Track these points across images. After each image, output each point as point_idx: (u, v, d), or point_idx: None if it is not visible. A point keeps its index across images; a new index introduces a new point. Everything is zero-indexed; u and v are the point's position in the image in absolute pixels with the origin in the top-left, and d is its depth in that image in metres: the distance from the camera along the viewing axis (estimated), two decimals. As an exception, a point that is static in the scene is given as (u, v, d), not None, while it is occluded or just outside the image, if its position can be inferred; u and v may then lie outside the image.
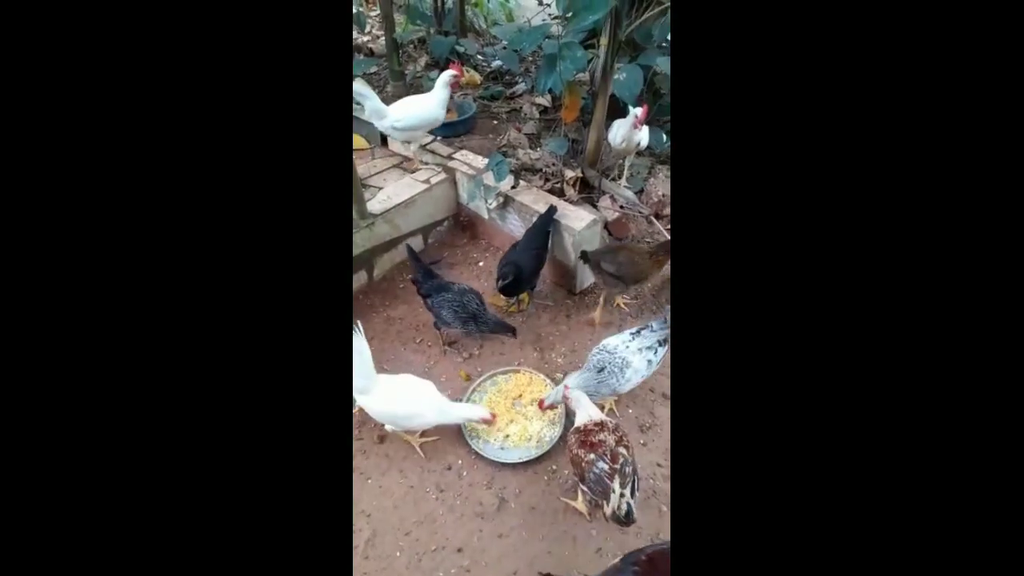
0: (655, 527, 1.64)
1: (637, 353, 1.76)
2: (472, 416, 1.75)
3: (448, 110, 2.97)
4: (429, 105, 2.46)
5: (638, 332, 1.83)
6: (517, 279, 2.13)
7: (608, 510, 1.41)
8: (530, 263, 2.20)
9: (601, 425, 1.52)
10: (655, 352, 1.79)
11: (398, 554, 1.60)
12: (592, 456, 1.45)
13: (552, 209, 2.30)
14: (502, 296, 2.29)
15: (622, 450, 1.46)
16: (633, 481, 1.43)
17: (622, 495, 1.38)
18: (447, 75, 2.44)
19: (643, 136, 2.54)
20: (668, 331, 1.81)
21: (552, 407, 1.85)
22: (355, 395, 1.73)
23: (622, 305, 2.37)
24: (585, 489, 1.51)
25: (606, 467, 1.43)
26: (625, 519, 1.39)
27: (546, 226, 2.28)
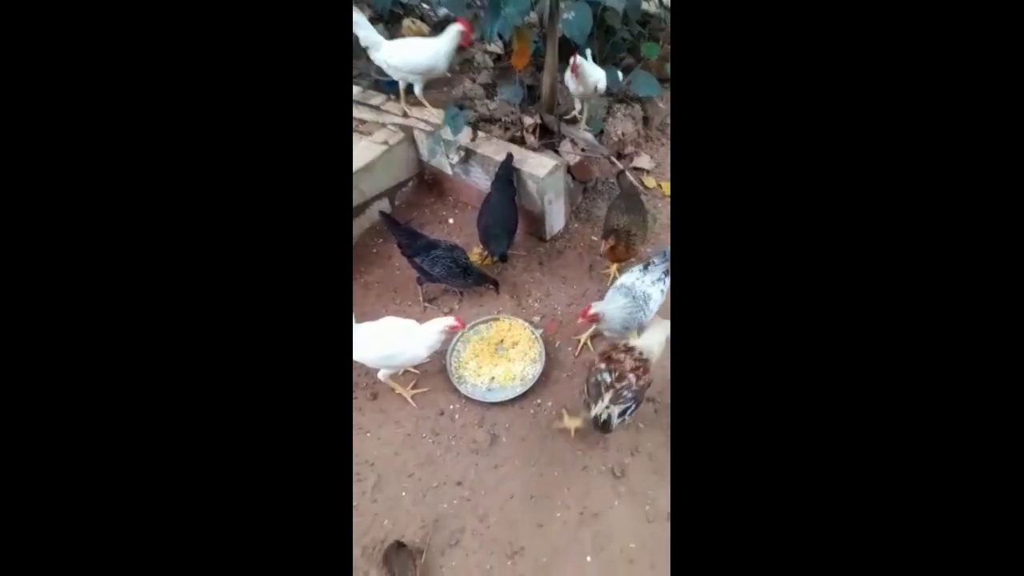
0: (633, 442, 1.81)
1: (652, 285, 1.90)
2: (441, 326, 1.82)
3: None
4: (428, 52, 2.39)
5: (645, 268, 1.96)
6: (509, 237, 2.22)
7: (591, 413, 1.57)
8: (511, 216, 2.26)
9: (629, 351, 1.64)
10: (663, 282, 1.93)
11: (403, 494, 1.73)
12: (603, 367, 1.61)
13: (509, 156, 2.33)
14: (478, 253, 2.36)
15: (631, 376, 1.58)
16: (628, 407, 1.57)
17: (607, 407, 1.54)
18: (456, 28, 2.34)
19: (599, 78, 2.49)
20: (667, 260, 1.96)
21: (596, 318, 1.85)
22: None
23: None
24: (584, 389, 1.66)
25: (607, 380, 1.57)
26: (602, 426, 1.56)
27: (509, 175, 2.31)
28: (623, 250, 2.10)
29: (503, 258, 2.27)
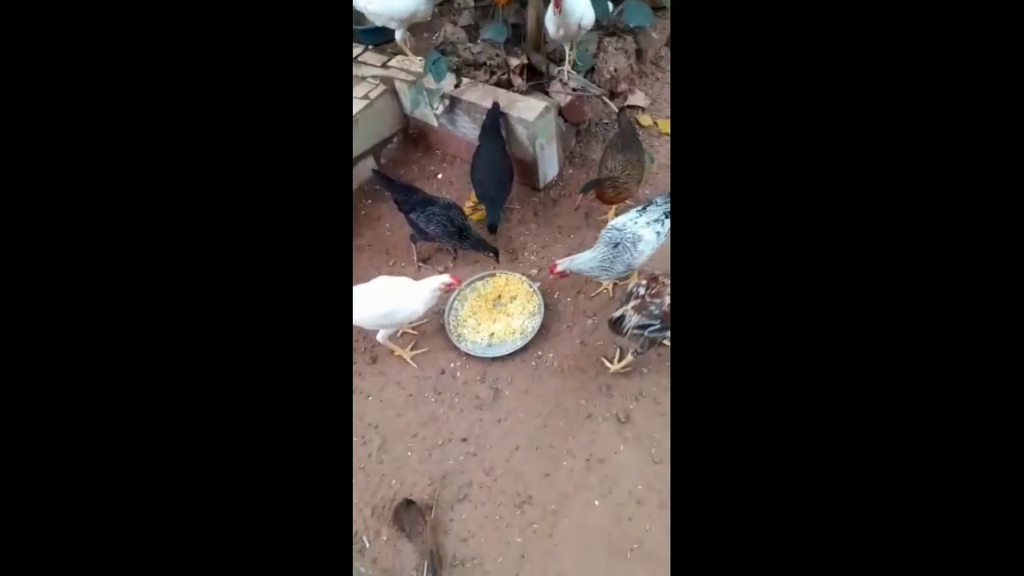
0: (638, 387, 1.79)
1: (646, 227, 1.81)
2: (437, 283, 1.80)
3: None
4: None
5: (644, 209, 1.87)
6: (504, 195, 2.12)
7: (615, 314, 1.62)
8: (504, 170, 2.15)
9: (667, 286, 1.65)
10: (662, 224, 1.84)
11: (409, 453, 1.74)
12: (643, 282, 1.66)
13: (495, 105, 2.19)
14: (471, 205, 2.27)
15: (665, 299, 1.60)
16: (652, 324, 1.59)
17: (628, 311, 1.60)
18: None
19: (586, 14, 2.21)
20: (669, 202, 1.86)
21: (564, 274, 1.85)
22: None
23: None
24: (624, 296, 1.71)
25: (640, 292, 1.64)
26: (614, 325, 1.63)
27: (496, 124, 2.19)
28: (612, 194, 2.00)
29: (492, 229, 2.14)
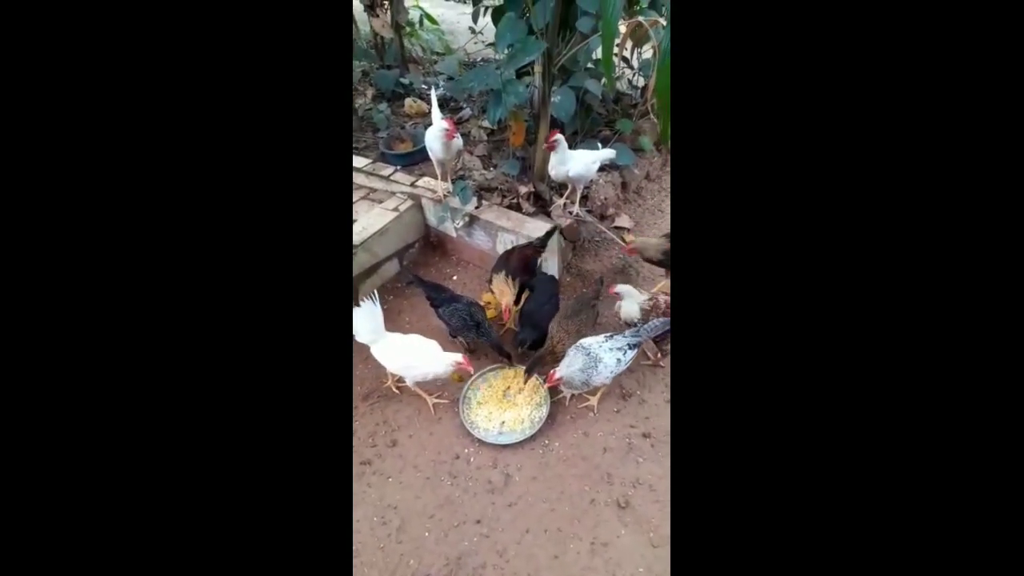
0: (634, 475, 2.00)
1: (609, 352, 2.08)
2: (451, 360, 2.11)
3: (402, 140, 3.25)
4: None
5: (611, 336, 2.15)
6: (539, 336, 2.31)
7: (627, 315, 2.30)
8: (547, 315, 2.36)
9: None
10: (624, 353, 2.10)
11: (426, 534, 1.87)
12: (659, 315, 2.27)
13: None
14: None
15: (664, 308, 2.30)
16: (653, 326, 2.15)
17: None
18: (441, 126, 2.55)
19: (573, 169, 2.61)
20: (638, 338, 2.14)
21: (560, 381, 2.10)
22: (369, 344, 2.19)
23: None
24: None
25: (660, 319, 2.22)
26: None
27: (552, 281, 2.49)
28: (552, 360, 2.20)
29: (525, 345, 2.34)
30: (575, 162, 2.62)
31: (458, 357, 2.12)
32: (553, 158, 2.60)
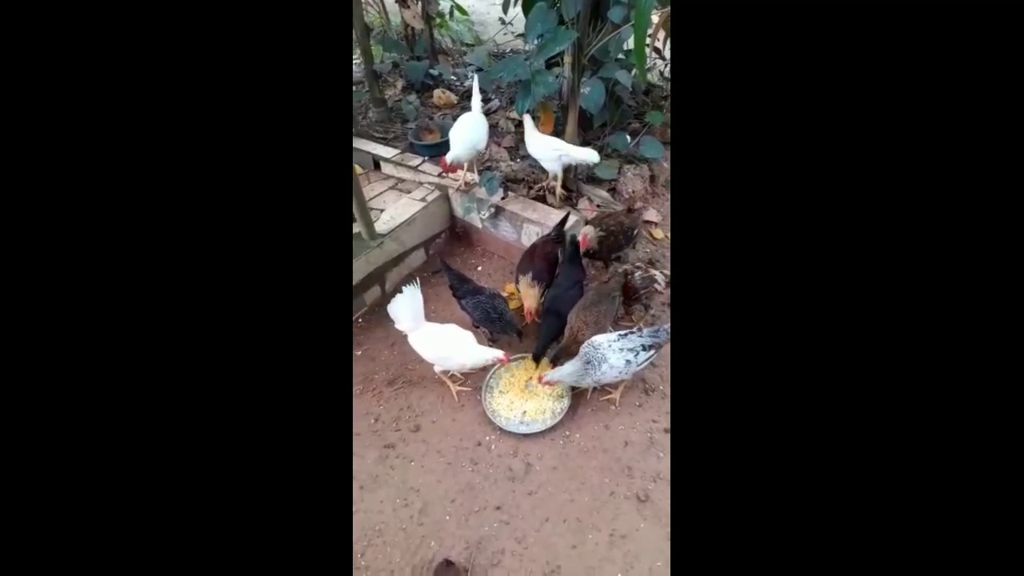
0: (655, 469, 2.00)
1: (619, 352, 2.05)
2: (490, 356, 2.16)
3: (431, 131, 3.27)
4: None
5: (625, 335, 2.10)
6: (558, 329, 2.27)
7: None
8: (572, 298, 2.33)
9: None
10: (635, 355, 2.05)
11: (447, 518, 1.91)
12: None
13: (572, 237, 2.48)
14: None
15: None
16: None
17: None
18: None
19: (578, 155, 2.63)
20: (656, 339, 2.09)
21: (550, 383, 2.14)
22: (408, 332, 2.23)
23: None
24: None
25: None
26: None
27: (575, 257, 2.44)
28: (576, 349, 2.15)
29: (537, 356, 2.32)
30: (533, 146, 2.68)
31: (499, 353, 2.16)
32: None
